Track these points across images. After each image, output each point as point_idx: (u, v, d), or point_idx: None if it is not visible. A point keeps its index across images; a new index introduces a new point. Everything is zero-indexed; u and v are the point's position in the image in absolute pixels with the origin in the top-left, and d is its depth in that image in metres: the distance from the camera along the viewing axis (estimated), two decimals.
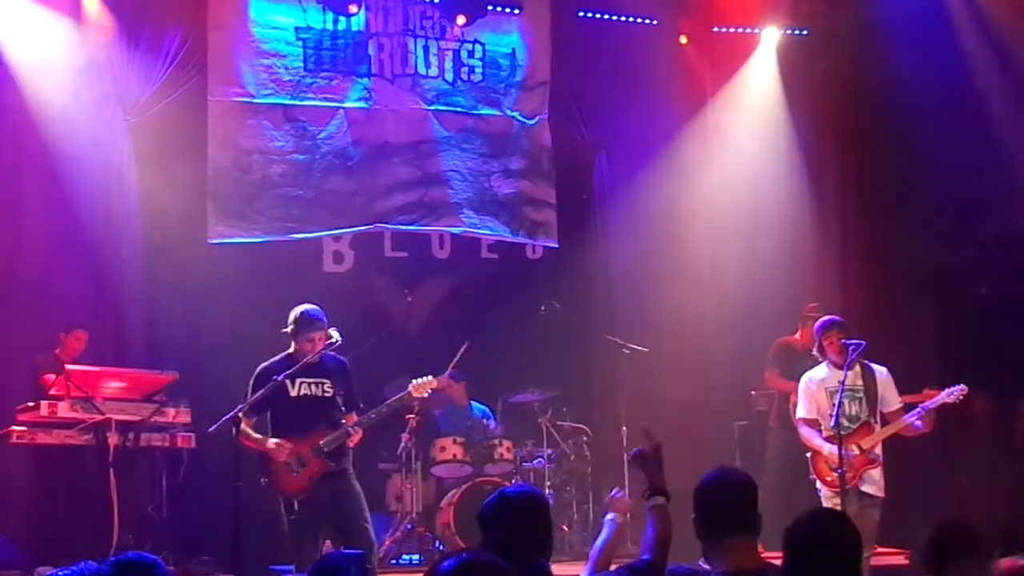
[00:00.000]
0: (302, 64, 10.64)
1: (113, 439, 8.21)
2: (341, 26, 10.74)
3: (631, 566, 4.37)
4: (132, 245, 10.05)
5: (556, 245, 11.46)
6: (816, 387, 8.09)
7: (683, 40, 11.63)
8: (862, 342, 7.84)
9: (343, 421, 7.67)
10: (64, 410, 8.18)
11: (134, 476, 8.43)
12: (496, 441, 10.32)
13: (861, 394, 8.00)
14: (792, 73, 11.74)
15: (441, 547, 9.89)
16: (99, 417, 8.17)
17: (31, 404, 8.30)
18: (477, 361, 10.77)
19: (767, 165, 11.65)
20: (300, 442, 7.52)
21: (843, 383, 7.72)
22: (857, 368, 8.01)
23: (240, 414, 7.29)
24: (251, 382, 7.52)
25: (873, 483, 7.89)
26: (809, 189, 11.62)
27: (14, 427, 8.24)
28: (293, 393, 7.59)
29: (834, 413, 7.69)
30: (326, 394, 7.68)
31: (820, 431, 8.00)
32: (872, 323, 10.28)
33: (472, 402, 10.92)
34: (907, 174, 11.18)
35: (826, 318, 8.25)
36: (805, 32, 11.78)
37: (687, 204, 11.39)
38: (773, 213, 11.47)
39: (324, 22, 10.70)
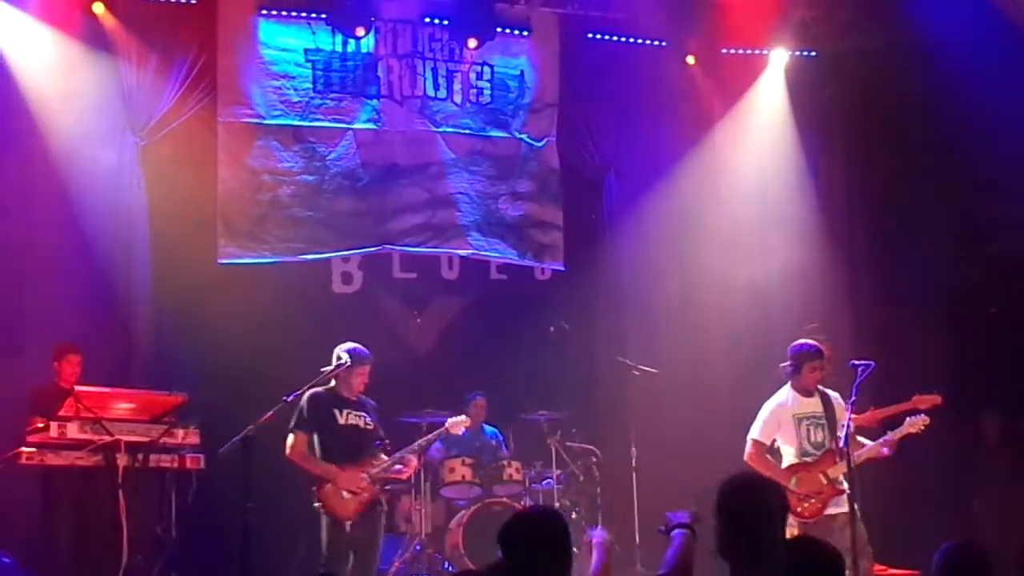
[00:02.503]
0: (311, 85, 10.68)
1: (122, 460, 8.17)
2: (350, 48, 10.78)
3: None
4: (142, 266, 10.06)
5: (563, 268, 11.47)
6: (782, 413, 8.11)
7: (690, 60, 11.65)
8: (871, 363, 7.83)
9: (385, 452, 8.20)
10: (73, 431, 8.14)
11: (143, 497, 8.38)
12: (505, 462, 10.32)
13: (823, 421, 8.07)
14: (800, 95, 11.75)
15: (450, 568, 9.87)
16: (108, 438, 8.14)
17: (40, 425, 8.29)
18: (487, 382, 10.77)
19: (776, 186, 11.66)
20: (352, 468, 7.91)
21: (852, 403, 7.74)
22: (816, 396, 8.07)
23: (294, 434, 7.86)
24: (304, 405, 7.89)
25: (838, 505, 7.85)
26: (818, 210, 11.62)
27: (23, 448, 8.23)
28: (341, 422, 8.02)
29: (843, 435, 7.69)
30: (368, 427, 8.12)
31: (779, 458, 8.09)
32: (882, 343, 10.28)
33: (485, 424, 10.91)
34: (916, 193, 11.17)
35: (811, 343, 8.25)
36: (814, 54, 11.79)
37: (696, 224, 11.40)
38: (782, 233, 11.47)
39: (333, 44, 10.74)
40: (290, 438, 7.91)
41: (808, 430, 8.03)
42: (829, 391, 8.17)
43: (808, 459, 7.98)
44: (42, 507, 8.75)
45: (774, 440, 8.15)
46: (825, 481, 7.87)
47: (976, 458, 10.42)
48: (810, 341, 8.30)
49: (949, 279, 10.89)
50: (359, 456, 8.02)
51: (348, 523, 7.87)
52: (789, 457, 8.09)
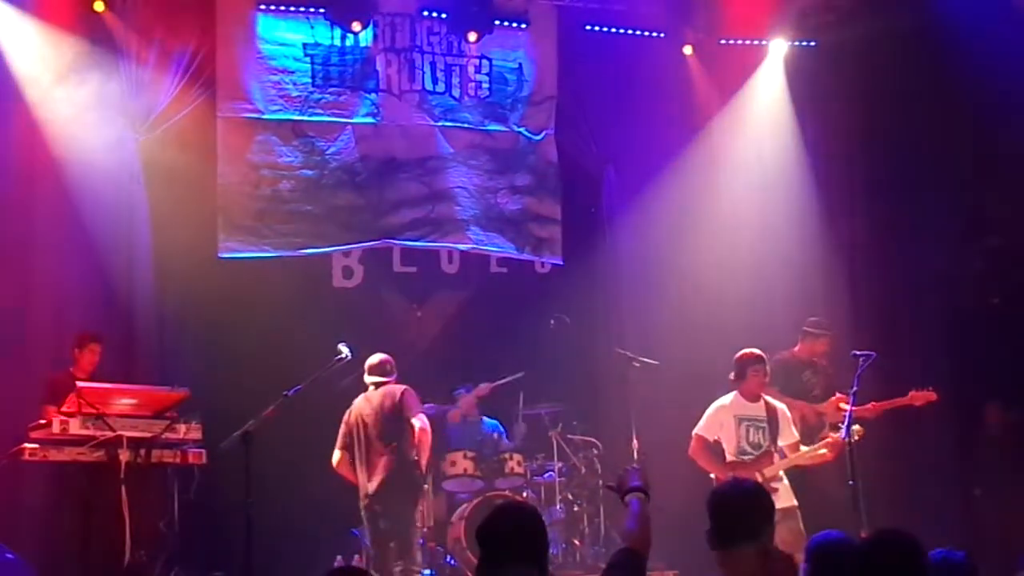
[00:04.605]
0: (310, 80, 10.67)
1: (124, 456, 8.19)
2: (349, 42, 10.77)
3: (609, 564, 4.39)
4: (143, 261, 10.06)
5: (561, 262, 11.46)
6: (724, 413, 8.57)
7: (688, 51, 11.62)
8: (871, 353, 7.94)
9: None
10: (76, 427, 8.16)
11: (146, 493, 8.41)
12: (507, 455, 10.32)
13: (764, 424, 8.52)
14: (800, 85, 11.74)
15: (452, 562, 9.88)
16: (110, 434, 8.16)
17: (43, 421, 8.31)
18: (486, 375, 10.78)
19: (775, 177, 11.64)
20: None
21: (854, 394, 7.87)
22: (761, 402, 8.52)
23: None
24: None
25: (778, 499, 8.05)
26: (817, 200, 11.60)
27: (26, 444, 8.24)
28: None
29: (845, 425, 7.93)
30: None
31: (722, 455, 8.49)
32: (882, 334, 10.28)
33: (484, 417, 10.91)
34: (918, 184, 11.17)
35: (754, 351, 8.66)
36: (813, 44, 11.76)
37: (695, 216, 11.38)
38: (782, 225, 11.46)
39: (332, 38, 10.73)
40: None
41: (748, 431, 8.48)
42: (776, 402, 8.64)
43: (745, 458, 8.41)
44: (44, 503, 8.76)
45: (718, 438, 8.54)
46: (760, 479, 8.10)
47: (977, 448, 10.43)
48: (754, 349, 8.69)
49: (951, 270, 10.89)
50: None
51: None
52: (727, 455, 8.49)
